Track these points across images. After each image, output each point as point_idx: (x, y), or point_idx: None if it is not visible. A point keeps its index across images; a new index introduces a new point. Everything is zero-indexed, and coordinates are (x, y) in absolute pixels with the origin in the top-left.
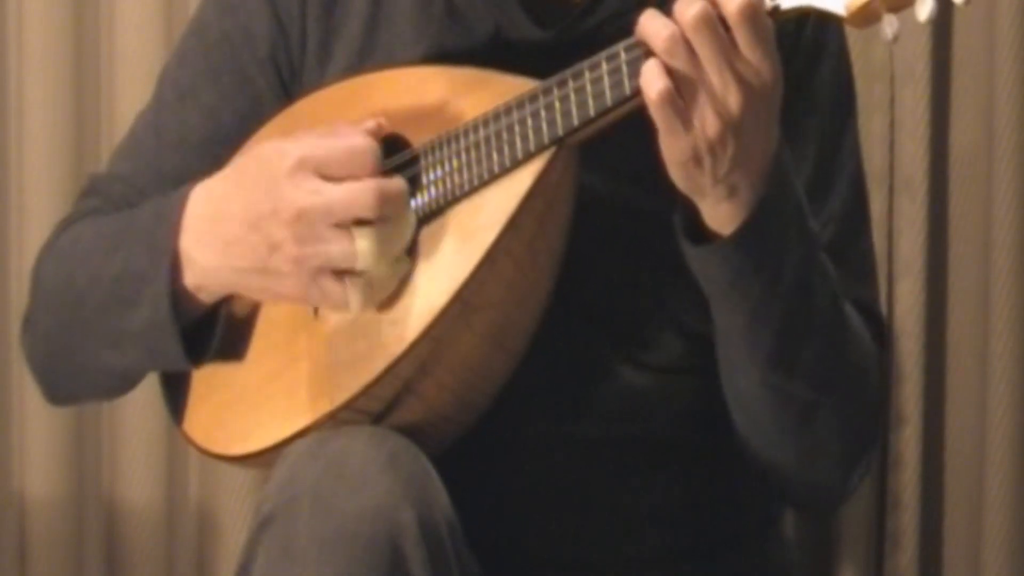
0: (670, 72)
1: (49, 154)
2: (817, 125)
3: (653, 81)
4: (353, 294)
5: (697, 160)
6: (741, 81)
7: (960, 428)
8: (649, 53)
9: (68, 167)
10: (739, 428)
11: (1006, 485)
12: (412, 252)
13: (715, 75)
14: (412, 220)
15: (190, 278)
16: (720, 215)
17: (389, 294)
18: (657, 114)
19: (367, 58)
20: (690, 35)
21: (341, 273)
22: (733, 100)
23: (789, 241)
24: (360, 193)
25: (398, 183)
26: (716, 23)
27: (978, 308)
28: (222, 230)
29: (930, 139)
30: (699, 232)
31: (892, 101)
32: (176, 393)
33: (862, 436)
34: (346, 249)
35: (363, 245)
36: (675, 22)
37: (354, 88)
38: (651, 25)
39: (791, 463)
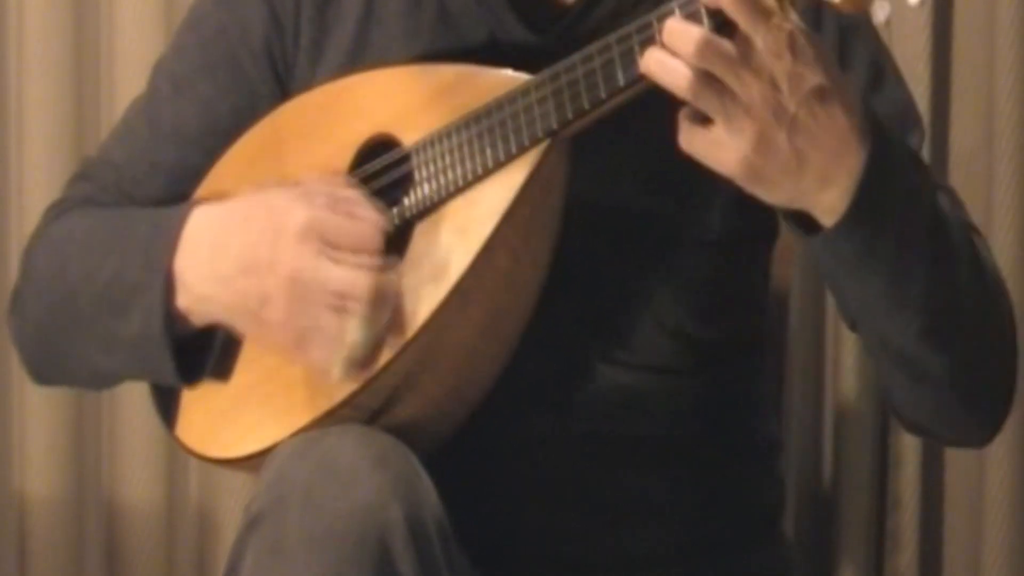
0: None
1: (49, 154)
2: (868, 62)
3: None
4: (336, 367)
5: (766, 146)
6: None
7: None
8: (647, 43)
9: (68, 167)
10: (897, 395)
11: (1006, 485)
12: (407, 248)
13: (766, 43)
14: (393, 300)
15: (182, 301)
16: (828, 201)
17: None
18: (708, 105)
19: (358, 59)
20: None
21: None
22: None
23: (907, 184)
24: (356, 286)
25: (392, 280)
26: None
27: None
28: (217, 263)
29: (930, 139)
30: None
31: None
32: (166, 398)
33: (1015, 350)
34: (335, 333)
35: (353, 336)
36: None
37: (341, 89)
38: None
39: (955, 405)
